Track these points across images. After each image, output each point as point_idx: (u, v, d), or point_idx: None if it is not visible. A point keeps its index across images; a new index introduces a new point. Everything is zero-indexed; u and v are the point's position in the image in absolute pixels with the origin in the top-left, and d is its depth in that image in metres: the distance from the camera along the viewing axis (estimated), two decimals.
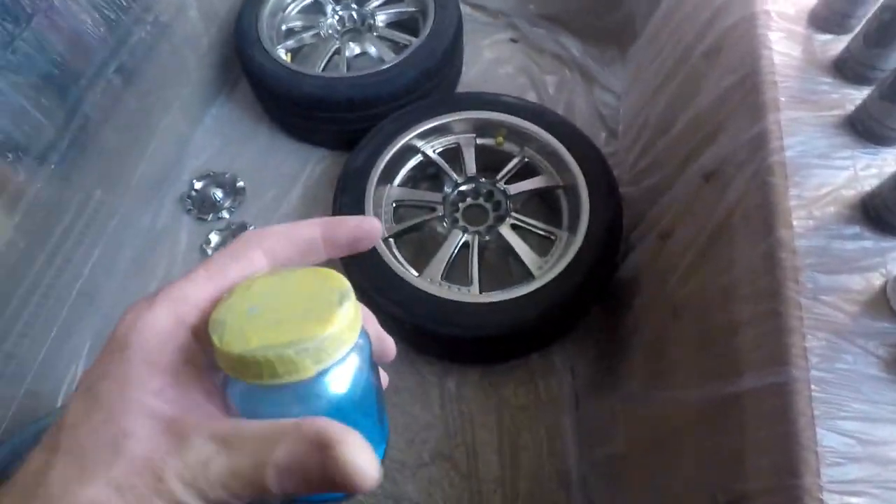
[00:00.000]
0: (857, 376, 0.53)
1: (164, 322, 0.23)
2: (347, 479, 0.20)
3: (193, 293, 0.24)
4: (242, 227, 1.36)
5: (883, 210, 0.58)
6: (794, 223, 0.60)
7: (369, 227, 0.28)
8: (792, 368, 0.54)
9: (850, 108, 0.65)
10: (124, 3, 1.13)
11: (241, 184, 1.42)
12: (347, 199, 1.17)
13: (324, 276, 0.24)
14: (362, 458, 0.20)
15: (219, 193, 1.40)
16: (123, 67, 1.16)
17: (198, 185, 1.41)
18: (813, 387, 0.52)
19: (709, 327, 0.71)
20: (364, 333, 0.24)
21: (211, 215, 1.38)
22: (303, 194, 1.42)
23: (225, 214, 1.39)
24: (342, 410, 0.23)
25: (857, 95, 0.65)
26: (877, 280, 0.57)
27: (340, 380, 0.23)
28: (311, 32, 1.44)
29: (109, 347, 0.22)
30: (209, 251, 1.33)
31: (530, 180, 1.21)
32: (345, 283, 0.23)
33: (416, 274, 1.12)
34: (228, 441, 0.21)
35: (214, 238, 1.35)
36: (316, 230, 0.27)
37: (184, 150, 1.45)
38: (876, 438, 0.50)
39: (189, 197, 1.40)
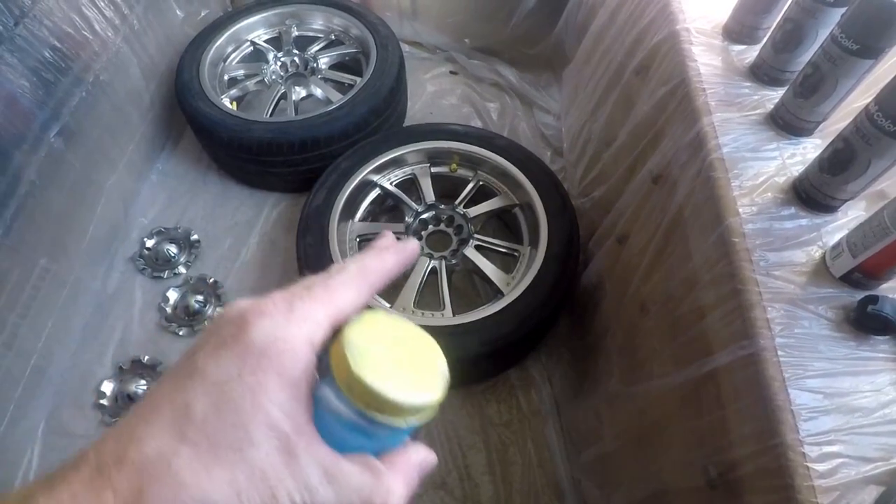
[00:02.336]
0: (814, 338, 0.59)
1: (298, 339, 0.24)
2: None
3: (319, 314, 0.25)
4: (202, 281, 1.32)
5: (812, 191, 0.66)
6: (740, 210, 0.67)
7: (413, 250, 0.31)
8: (759, 339, 0.59)
9: (770, 106, 0.74)
10: (62, 65, 1.11)
11: (195, 237, 1.39)
12: (311, 238, 1.17)
13: (433, 346, 0.29)
14: None
15: (172, 249, 1.36)
16: (66, 129, 1.13)
17: (149, 242, 1.37)
18: (779, 353, 0.58)
19: (676, 317, 0.77)
20: None
21: (166, 272, 1.34)
22: (260, 240, 1.41)
23: (181, 269, 1.35)
24: (383, 451, 0.28)
25: (774, 95, 0.75)
26: (816, 252, 0.64)
27: (404, 436, 0.28)
28: (254, 80, 1.45)
29: (245, 350, 0.23)
30: (168, 309, 1.28)
31: (487, 202, 1.26)
32: (445, 365, 0.29)
33: (389, 305, 1.13)
34: (331, 474, 0.24)
35: (173, 295, 1.30)
36: (393, 261, 0.30)
37: (131, 208, 1.41)
38: (840, 390, 0.55)
39: (141, 256, 1.35)
